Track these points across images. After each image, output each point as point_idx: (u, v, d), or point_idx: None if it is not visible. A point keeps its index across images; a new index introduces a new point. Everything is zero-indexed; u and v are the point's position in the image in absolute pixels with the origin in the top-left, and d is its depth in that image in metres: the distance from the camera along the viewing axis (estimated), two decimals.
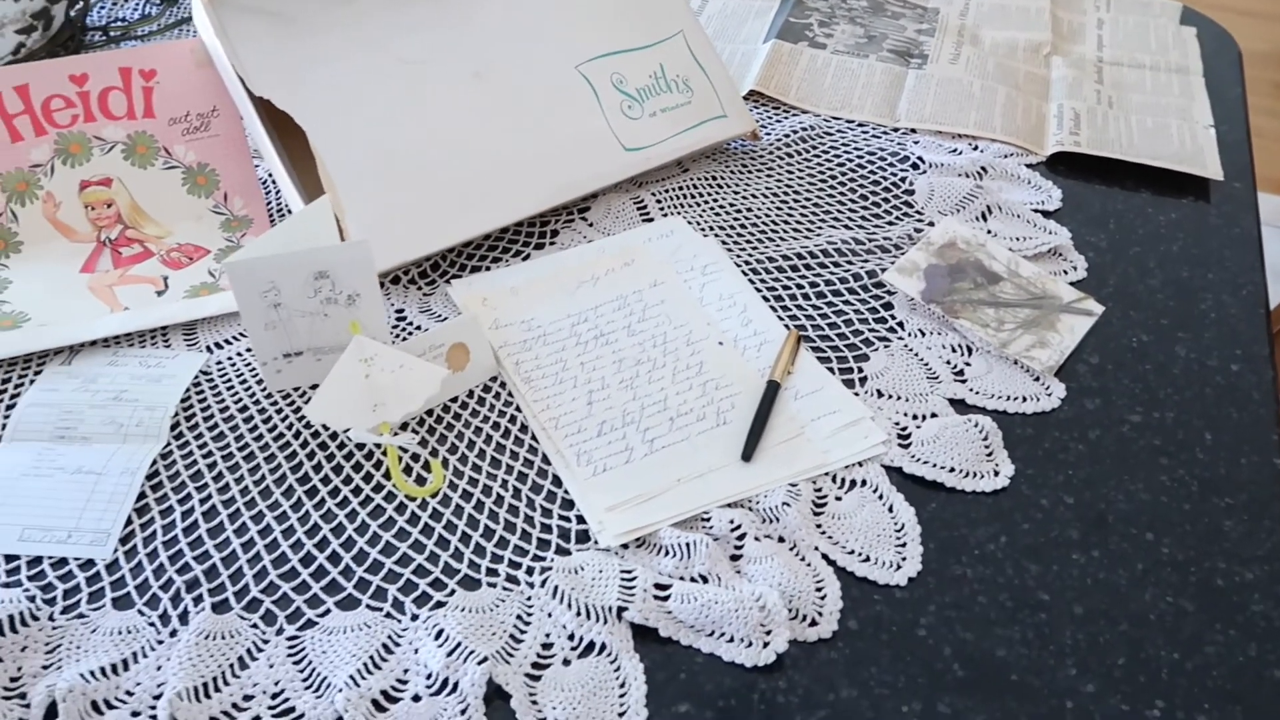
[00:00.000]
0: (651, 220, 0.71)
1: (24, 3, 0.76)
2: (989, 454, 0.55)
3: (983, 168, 0.75)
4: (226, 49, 0.63)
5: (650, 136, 0.71)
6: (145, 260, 0.66)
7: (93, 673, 0.44)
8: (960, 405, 0.58)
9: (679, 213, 0.71)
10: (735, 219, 0.71)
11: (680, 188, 0.73)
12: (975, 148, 0.78)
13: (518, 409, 0.57)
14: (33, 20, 0.78)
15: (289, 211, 0.70)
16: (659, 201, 0.72)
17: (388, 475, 0.53)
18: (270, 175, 0.74)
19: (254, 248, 0.53)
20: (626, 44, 0.73)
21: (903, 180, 0.75)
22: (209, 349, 0.60)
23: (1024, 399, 0.59)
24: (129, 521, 0.51)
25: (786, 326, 0.63)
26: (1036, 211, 0.72)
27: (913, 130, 0.80)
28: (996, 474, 0.55)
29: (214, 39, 0.64)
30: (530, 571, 0.49)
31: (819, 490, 0.53)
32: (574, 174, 0.69)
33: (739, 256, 0.68)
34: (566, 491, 0.53)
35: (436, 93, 0.67)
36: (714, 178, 0.75)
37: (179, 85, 0.68)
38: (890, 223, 0.71)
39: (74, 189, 0.67)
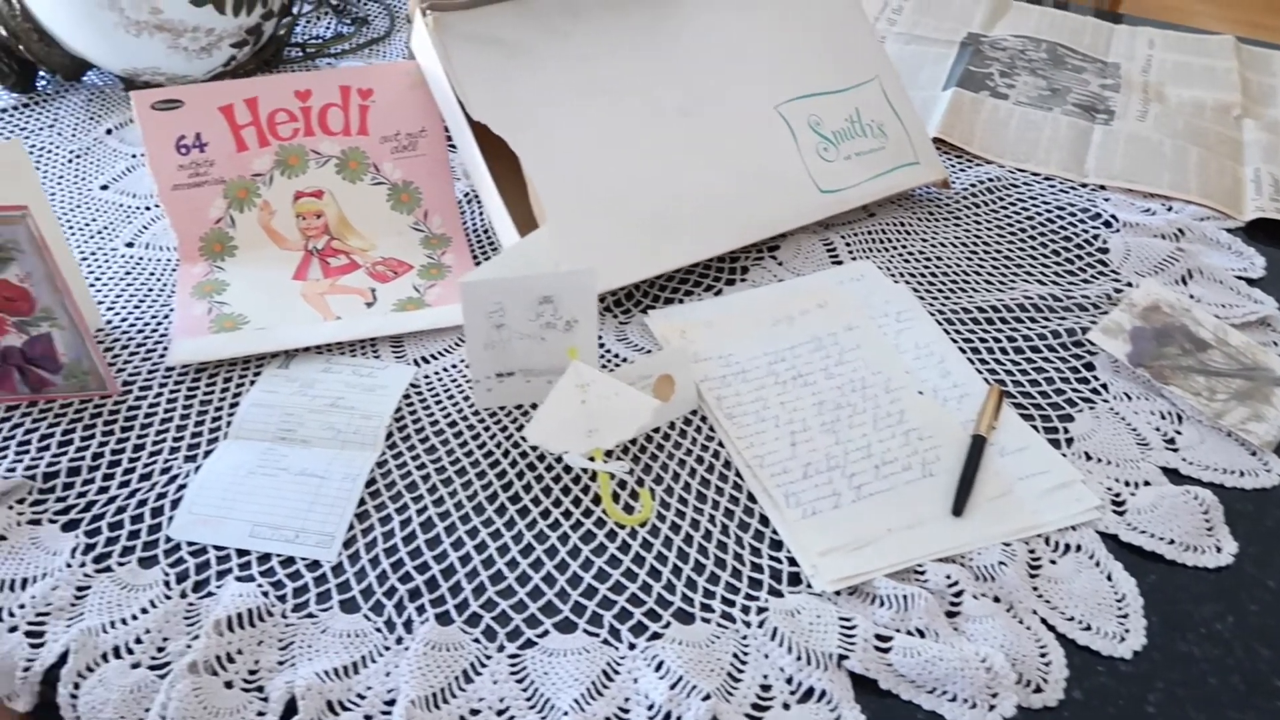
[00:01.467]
0: (841, 263, 0.71)
1: (241, 18, 0.80)
2: (1209, 528, 0.54)
3: (1180, 229, 0.74)
4: (448, 73, 0.65)
5: (845, 180, 0.71)
6: (353, 272, 0.68)
7: (327, 673, 0.45)
8: (1173, 475, 0.57)
9: (868, 257, 0.71)
10: (925, 267, 0.71)
11: (869, 232, 0.73)
12: (1169, 208, 0.76)
13: (720, 444, 0.57)
14: (246, 35, 0.82)
15: (490, 230, 0.72)
16: (848, 244, 0.72)
17: (597, 500, 0.54)
18: (466, 195, 0.76)
19: (484, 270, 0.54)
20: (824, 87, 0.73)
21: (1095, 238, 0.74)
22: (416, 362, 0.62)
23: (1241, 473, 0.57)
24: (350, 526, 0.52)
25: (985, 380, 0.62)
26: (1239, 278, 0.70)
27: (1102, 187, 0.79)
28: (1219, 550, 0.53)
29: (434, 63, 0.67)
30: (745, 610, 0.49)
31: (1032, 552, 0.52)
32: (770, 212, 0.69)
33: (931, 305, 0.67)
34: (775, 532, 0.53)
35: (642, 126, 0.68)
36: (901, 224, 0.74)
37: (392, 105, 0.70)
38: (1086, 280, 0.70)
39: (289, 199, 0.70)
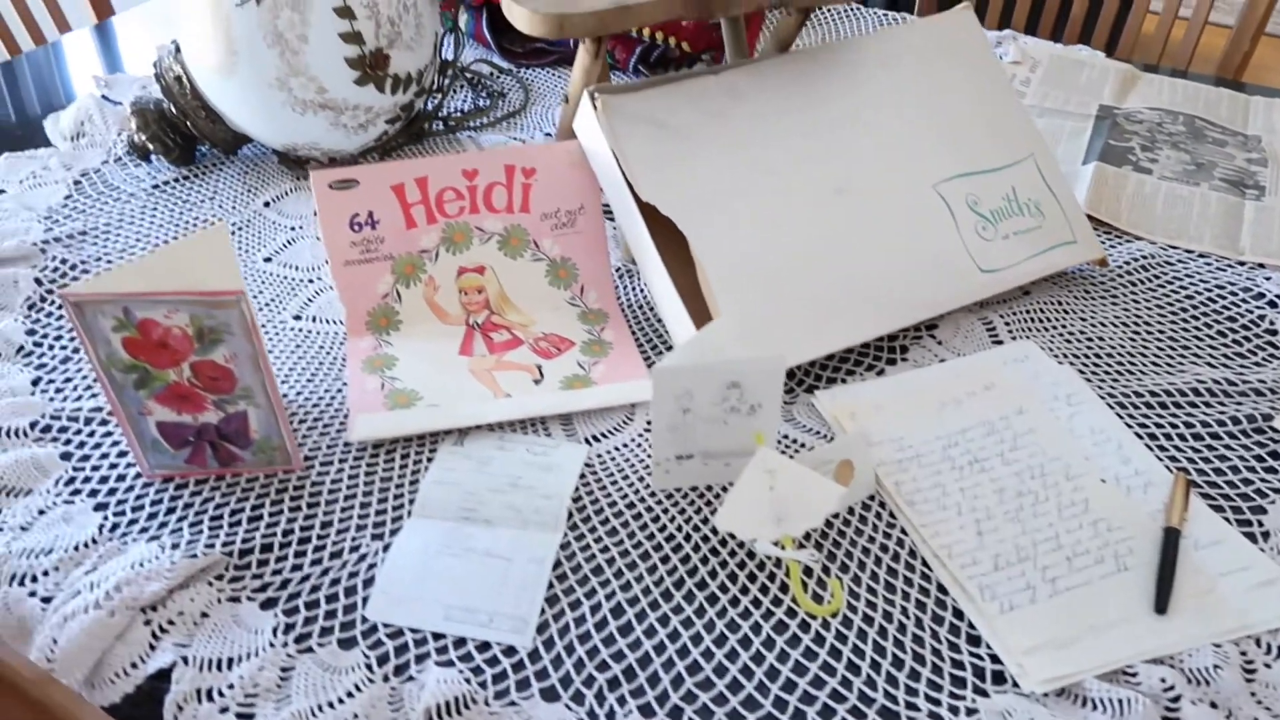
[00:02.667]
0: (1001, 343, 0.70)
1: (398, 97, 0.83)
2: None
3: None
4: (617, 155, 0.66)
5: (1004, 259, 0.71)
6: (517, 347, 0.69)
7: None
8: None
9: (1029, 336, 0.70)
10: (1087, 347, 0.69)
11: (1027, 311, 0.72)
12: None
13: (903, 531, 0.57)
14: (400, 112, 0.85)
15: (648, 305, 0.73)
16: (1007, 324, 0.71)
17: (785, 588, 0.53)
18: (617, 269, 0.77)
19: (675, 357, 0.55)
20: (981, 165, 0.73)
21: (1261, 318, 0.72)
22: (587, 441, 0.62)
23: None
24: (541, 610, 0.52)
25: (1167, 468, 0.60)
26: None
27: (1261, 265, 0.77)
28: None
29: (599, 144, 0.68)
30: (954, 711, 0.48)
31: (1244, 654, 0.50)
32: (931, 292, 0.69)
33: (1099, 388, 0.66)
34: (970, 625, 0.52)
35: (803, 207, 0.68)
36: (1059, 302, 0.73)
37: (553, 183, 0.72)
38: (1258, 363, 0.68)
39: (452, 274, 0.71)
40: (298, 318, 0.73)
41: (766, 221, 0.67)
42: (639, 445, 0.62)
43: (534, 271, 0.73)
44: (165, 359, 0.54)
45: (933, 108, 0.74)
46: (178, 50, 0.84)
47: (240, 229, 0.82)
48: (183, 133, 0.86)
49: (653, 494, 0.59)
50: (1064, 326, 0.71)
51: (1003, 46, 1.09)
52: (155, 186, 0.87)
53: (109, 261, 0.77)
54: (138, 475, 0.59)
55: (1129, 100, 0.98)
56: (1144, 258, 0.78)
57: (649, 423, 0.63)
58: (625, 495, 0.59)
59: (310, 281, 0.76)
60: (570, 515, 0.57)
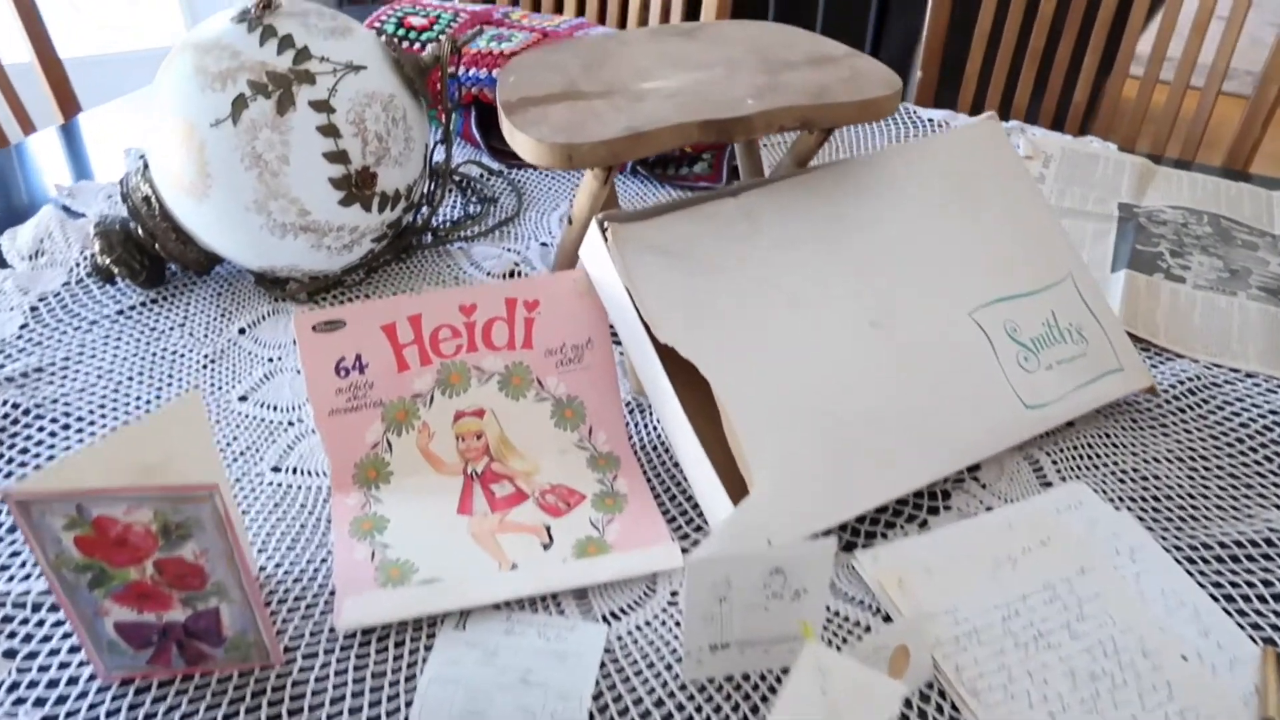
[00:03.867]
0: (1050, 484, 0.64)
1: (385, 214, 0.77)
2: None
3: None
4: (631, 290, 0.60)
5: (1049, 392, 0.66)
6: (521, 503, 0.62)
7: None
8: None
9: (1078, 476, 0.65)
10: (1144, 488, 0.64)
11: (1074, 447, 0.67)
12: None
13: None
14: (387, 229, 0.79)
15: (664, 448, 0.67)
16: (1054, 462, 0.66)
17: None
18: (627, 403, 0.71)
19: (711, 545, 0.48)
20: (1018, 289, 0.68)
21: None
22: (605, 618, 0.56)
23: None
24: None
25: (1252, 639, 0.54)
26: None
27: None
28: None
29: (609, 275, 0.62)
30: None
31: None
32: (975, 433, 0.63)
33: (1163, 538, 0.60)
34: None
35: (834, 342, 0.63)
36: (1106, 435, 0.68)
37: (559, 316, 0.66)
38: None
39: (448, 420, 0.65)
40: (276, 469, 0.66)
41: (798, 361, 0.61)
42: (664, 624, 0.55)
43: (538, 413, 0.66)
44: (124, 557, 0.47)
45: (964, 227, 0.69)
46: (145, 167, 0.78)
47: (213, 361, 0.75)
48: (151, 254, 0.80)
49: (683, 686, 0.52)
50: (1115, 463, 0.66)
51: (1011, 139, 1.05)
52: (120, 312, 0.80)
53: (67, 404, 0.70)
54: (92, 677, 0.52)
55: (1148, 197, 0.94)
56: (1189, 379, 0.73)
57: (674, 594, 0.57)
58: (652, 689, 0.52)
59: (290, 425, 0.69)
60: (592, 717, 0.50)
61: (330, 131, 0.71)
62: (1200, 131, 1.16)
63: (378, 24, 1.07)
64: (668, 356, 0.61)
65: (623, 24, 1.41)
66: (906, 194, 0.69)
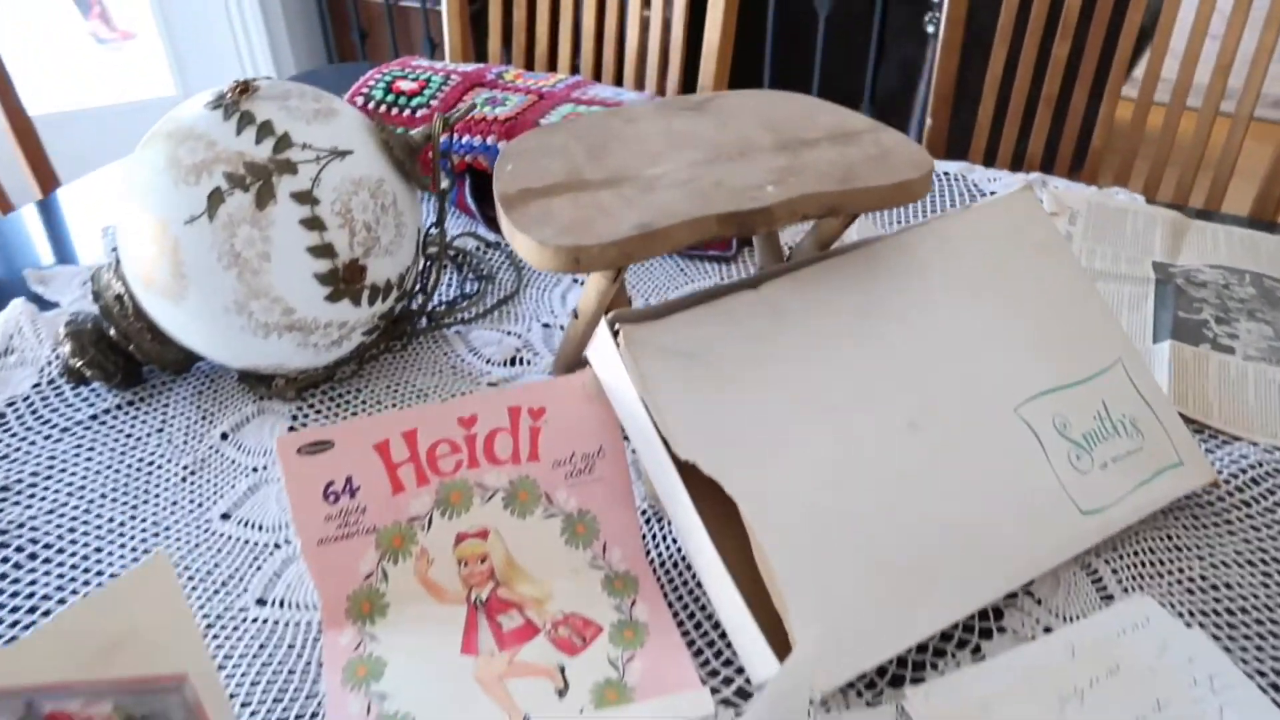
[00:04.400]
0: (1111, 597, 0.59)
1: (377, 306, 0.72)
2: None
3: None
4: (646, 399, 0.55)
5: (1106, 494, 0.60)
6: (532, 639, 0.56)
7: None
8: None
9: (1141, 587, 0.59)
10: (1215, 600, 0.58)
11: (1135, 552, 0.61)
12: None
13: None
14: (379, 321, 0.74)
15: (684, 565, 0.61)
16: (1114, 571, 0.60)
17: None
18: (642, 512, 0.65)
19: (755, 713, 0.43)
20: (1064, 378, 0.63)
21: None
22: None
23: None
24: None
25: None
26: None
27: None
28: None
29: (621, 380, 0.57)
30: None
31: None
32: (1030, 547, 0.57)
33: (1243, 662, 0.55)
34: None
35: (870, 449, 0.57)
36: (1167, 536, 0.62)
37: (567, 423, 0.60)
38: None
39: (449, 543, 0.59)
40: (262, 602, 0.60)
41: (833, 475, 0.56)
42: None
43: (547, 530, 0.61)
44: None
45: (1004, 311, 0.64)
46: (117, 264, 0.72)
47: (193, 473, 0.69)
48: (126, 354, 0.74)
49: None
50: (1180, 570, 0.60)
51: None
52: (94, 417, 0.74)
53: (34, 529, 0.64)
54: None
55: (1183, 255, 0.89)
56: (1251, 467, 0.67)
57: None
58: None
59: (277, 546, 0.64)
60: None
61: (314, 224, 0.66)
62: (1228, 175, 1.11)
63: (365, 89, 1.02)
64: (688, 468, 0.55)
65: (618, 79, 1.36)
66: (940, 277, 0.64)
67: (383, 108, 1.00)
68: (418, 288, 0.82)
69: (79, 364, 0.73)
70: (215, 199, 0.64)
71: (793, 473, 0.55)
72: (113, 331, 0.72)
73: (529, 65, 1.42)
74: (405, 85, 1.02)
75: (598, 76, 1.42)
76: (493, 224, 0.97)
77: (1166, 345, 0.77)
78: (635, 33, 1.31)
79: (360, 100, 1.01)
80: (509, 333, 0.83)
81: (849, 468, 0.56)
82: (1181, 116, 1.13)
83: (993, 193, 1.00)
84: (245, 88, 0.68)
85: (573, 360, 0.75)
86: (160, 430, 0.73)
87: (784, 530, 0.54)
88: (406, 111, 0.99)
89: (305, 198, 0.66)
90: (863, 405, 0.58)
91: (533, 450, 0.60)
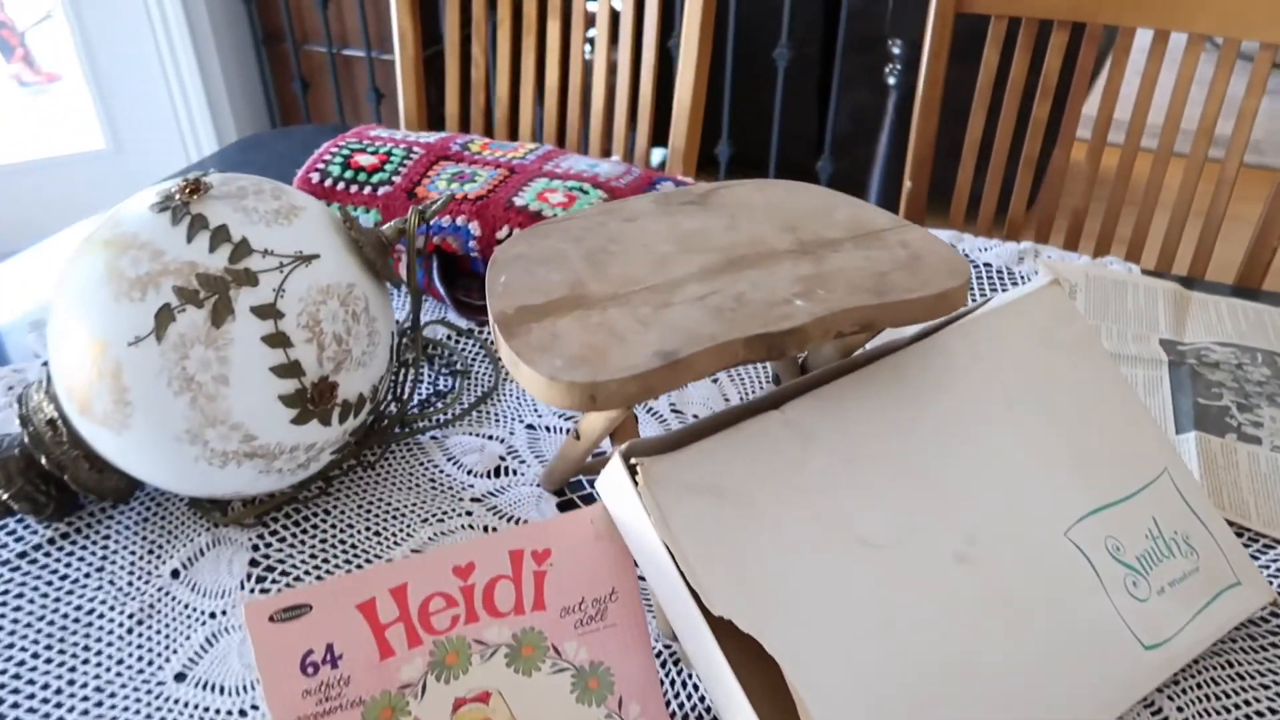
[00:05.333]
0: None
1: (348, 423, 0.64)
2: None
3: None
4: (671, 547, 0.49)
5: (1167, 624, 0.55)
6: None
7: None
8: None
9: None
10: None
11: (1198, 685, 0.56)
12: None
13: None
14: (349, 437, 0.66)
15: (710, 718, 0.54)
16: (1179, 709, 0.55)
17: None
18: (658, 654, 0.58)
19: None
20: (1111, 494, 0.58)
21: None
22: None
23: None
24: None
25: None
26: None
27: None
28: None
29: (637, 518, 0.51)
30: None
31: None
32: (1095, 692, 0.52)
33: None
34: None
35: (916, 586, 0.51)
36: (1229, 663, 0.58)
37: (574, 565, 0.54)
38: None
39: (446, 711, 0.52)
40: None
41: (878, 618, 0.50)
42: None
43: (556, 688, 0.54)
44: None
45: (1041, 422, 0.59)
46: (48, 381, 0.64)
47: (140, 622, 0.61)
48: (58, 482, 0.66)
49: None
50: (1246, 703, 0.55)
51: (1025, 263, 0.97)
52: (23, 555, 0.65)
53: None
54: None
55: (1189, 332, 0.86)
56: None
57: None
58: None
59: (243, 714, 0.56)
60: None
61: (279, 341, 0.59)
62: (1212, 239, 1.10)
63: (321, 165, 0.95)
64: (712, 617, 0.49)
65: (583, 140, 1.31)
66: (971, 387, 0.59)
67: (340, 184, 0.93)
68: (390, 396, 0.74)
69: (4, 496, 0.64)
70: (164, 317, 0.57)
71: (836, 622, 0.49)
72: (44, 459, 0.64)
73: (488, 125, 1.36)
74: (364, 160, 0.95)
75: (561, 137, 1.37)
76: (464, 309, 0.91)
77: (1192, 437, 0.73)
78: (601, 92, 1.26)
79: (316, 176, 0.94)
80: (490, 437, 0.76)
81: (896, 610, 0.51)
82: (1145, 162, 1.11)
83: (987, 264, 0.97)
84: (195, 187, 0.60)
85: (565, 479, 0.68)
86: (100, 569, 0.64)
87: (830, 689, 0.47)
88: (367, 189, 0.92)
89: (268, 311, 0.58)
90: (906, 537, 0.53)
91: (538, 598, 0.53)
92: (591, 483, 0.71)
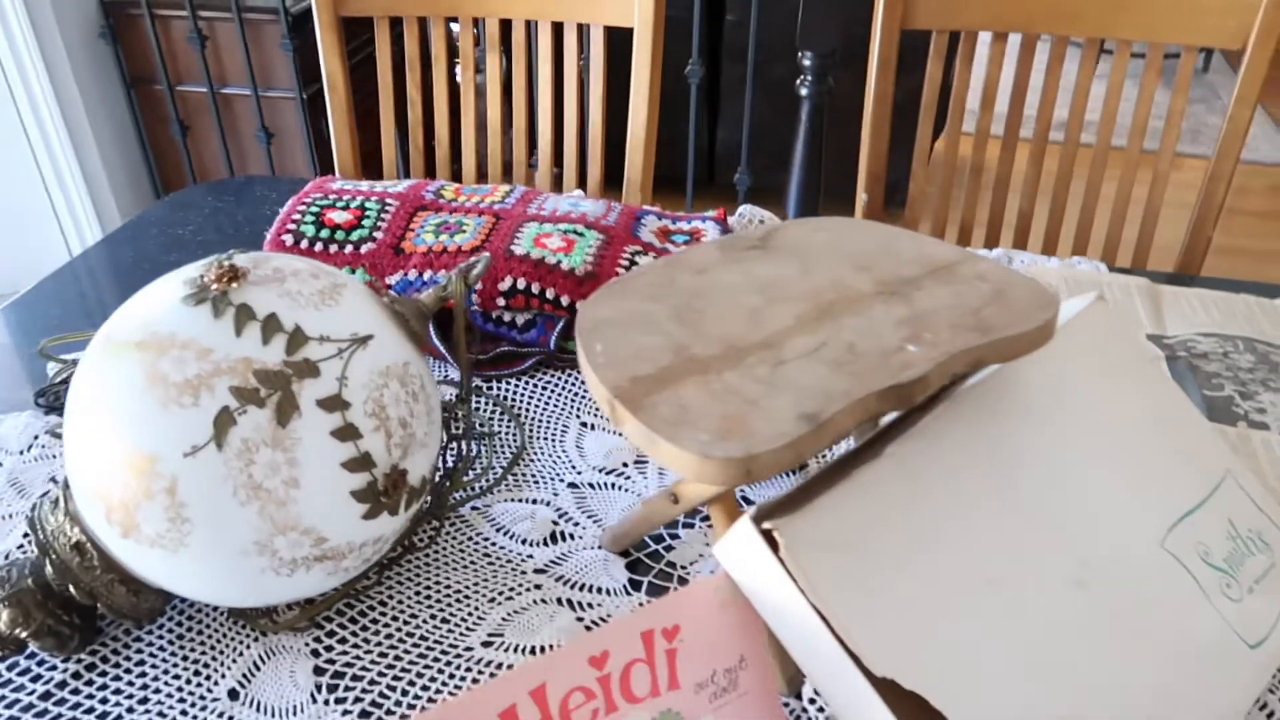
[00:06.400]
0: None
1: (414, 508, 0.60)
2: None
3: None
4: (825, 612, 0.47)
5: (1262, 622, 0.57)
6: None
7: None
8: None
9: None
10: None
11: None
12: None
13: None
14: (410, 522, 0.62)
15: None
16: None
17: None
18: (785, 703, 0.57)
19: None
20: (1189, 501, 0.60)
21: None
22: None
23: None
24: None
25: None
26: None
27: None
28: None
29: (772, 585, 0.49)
30: None
31: None
32: (1215, 695, 0.53)
33: None
34: None
35: (1044, 621, 0.52)
36: None
37: (703, 638, 0.52)
38: None
39: None
40: None
41: (1017, 654, 0.50)
42: None
43: None
44: None
45: (1118, 438, 0.60)
46: (65, 501, 0.57)
47: None
48: (81, 607, 0.59)
49: None
50: None
51: None
52: (47, 695, 0.58)
53: None
54: None
55: (1170, 325, 0.91)
56: None
57: None
58: None
59: None
60: None
61: (348, 434, 0.54)
62: (1152, 227, 1.16)
63: (292, 226, 0.89)
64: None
65: (559, 183, 1.28)
66: (1051, 411, 0.60)
67: (318, 244, 0.88)
68: (440, 474, 0.70)
69: (23, 635, 0.57)
70: (224, 421, 0.51)
71: (984, 666, 0.49)
72: (73, 589, 0.57)
73: (428, 165, 1.31)
74: (338, 216, 0.90)
75: (508, 172, 1.33)
76: (474, 365, 0.86)
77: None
78: (548, 126, 1.23)
79: (289, 239, 0.88)
80: (535, 500, 0.72)
81: (1032, 644, 0.51)
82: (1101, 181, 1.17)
83: None
84: (232, 274, 0.55)
85: (634, 539, 0.66)
86: (145, 700, 0.58)
87: None
88: (348, 247, 0.87)
89: (334, 403, 0.54)
90: (1026, 571, 0.53)
91: (671, 677, 0.51)
92: (655, 538, 0.69)
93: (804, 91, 1.79)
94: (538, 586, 0.65)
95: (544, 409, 0.82)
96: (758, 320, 0.54)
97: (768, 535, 0.49)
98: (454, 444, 0.72)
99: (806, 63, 1.76)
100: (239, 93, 2.28)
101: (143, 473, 0.52)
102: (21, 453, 0.76)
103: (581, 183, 1.28)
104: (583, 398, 0.83)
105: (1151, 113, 1.16)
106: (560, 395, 0.83)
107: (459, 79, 1.33)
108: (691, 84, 1.88)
